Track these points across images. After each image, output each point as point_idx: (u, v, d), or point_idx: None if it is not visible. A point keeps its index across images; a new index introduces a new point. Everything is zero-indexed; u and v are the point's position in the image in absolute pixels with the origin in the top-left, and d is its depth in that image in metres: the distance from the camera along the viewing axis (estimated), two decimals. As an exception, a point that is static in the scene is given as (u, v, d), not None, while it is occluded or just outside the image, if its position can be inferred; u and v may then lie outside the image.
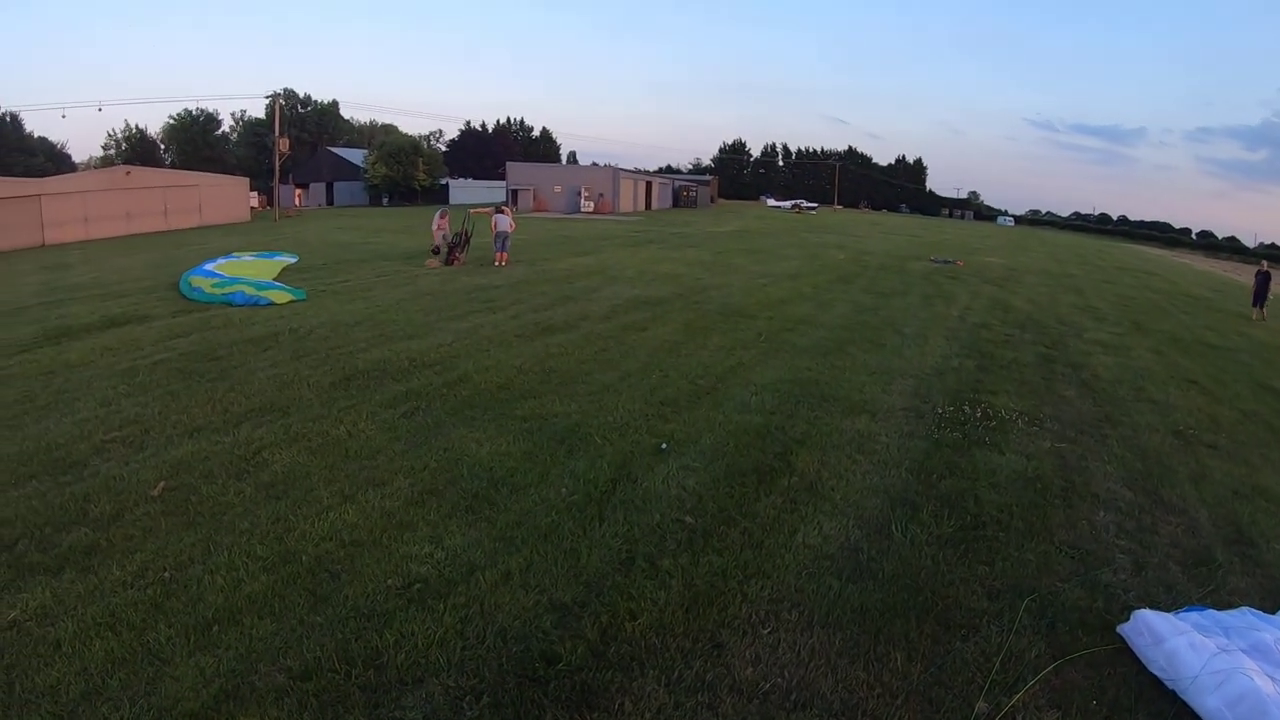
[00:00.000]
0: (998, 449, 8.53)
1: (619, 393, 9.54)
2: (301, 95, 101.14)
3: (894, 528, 6.31)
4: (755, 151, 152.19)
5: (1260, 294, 26.52)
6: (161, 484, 6.63)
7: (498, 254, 23.12)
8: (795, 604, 5.07)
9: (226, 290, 16.63)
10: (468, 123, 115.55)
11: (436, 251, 23.06)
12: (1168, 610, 5.27)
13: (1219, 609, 5.44)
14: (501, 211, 23.96)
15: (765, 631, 4.74)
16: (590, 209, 66.55)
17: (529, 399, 9.14)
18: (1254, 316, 26.08)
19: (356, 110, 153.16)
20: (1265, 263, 29.68)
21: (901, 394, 10.48)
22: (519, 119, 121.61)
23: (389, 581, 5.10)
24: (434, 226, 23.86)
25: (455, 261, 22.69)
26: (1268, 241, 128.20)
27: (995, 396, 10.75)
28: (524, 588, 5.06)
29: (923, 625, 4.96)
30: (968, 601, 5.31)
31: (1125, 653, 4.87)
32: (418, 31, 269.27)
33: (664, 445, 7.77)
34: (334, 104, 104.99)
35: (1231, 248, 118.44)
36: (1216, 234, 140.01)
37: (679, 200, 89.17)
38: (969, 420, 9.47)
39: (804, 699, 4.18)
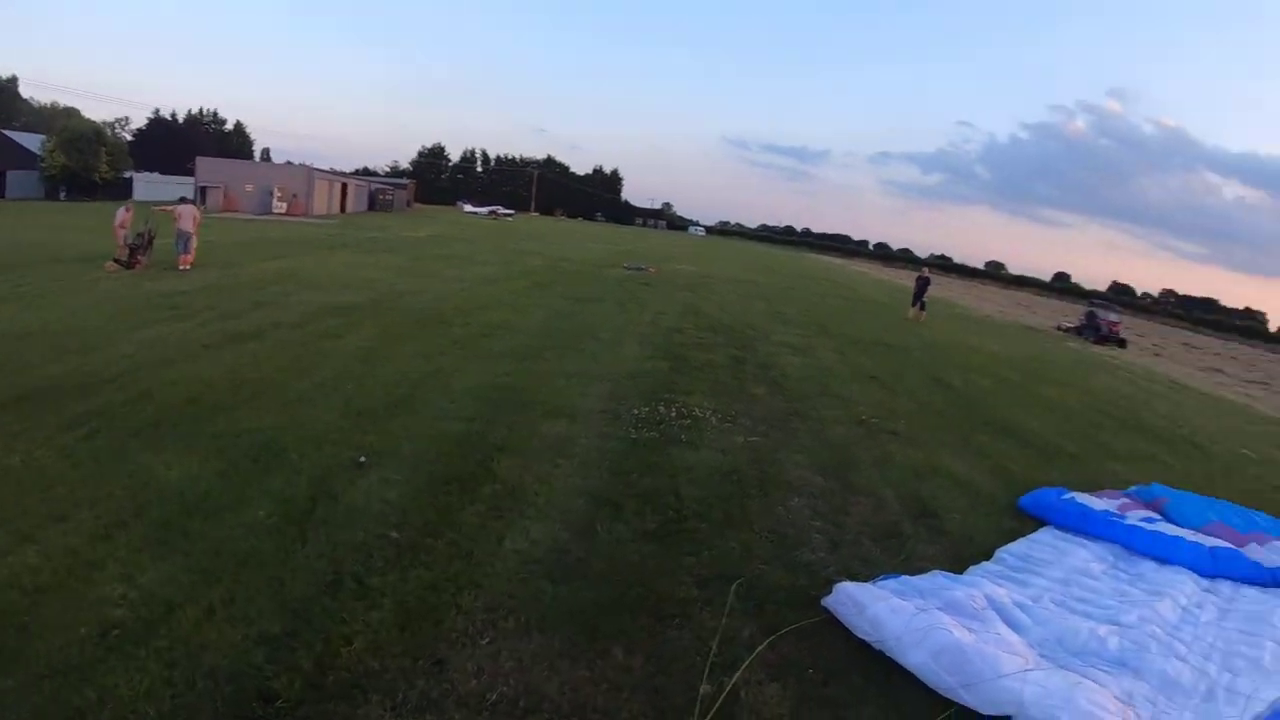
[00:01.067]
0: (693, 446, 9.08)
1: (314, 404, 9.06)
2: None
3: (599, 527, 6.51)
4: (455, 156, 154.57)
5: (918, 295, 30.45)
6: None
7: (181, 256, 21.13)
8: (511, 611, 5.07)
9: None
10: (157, 111, 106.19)
11: (125, 255, 20.76)
12: (866, 580, 5.94)
13: (912, 575, 6.24)
14: (184, 203, 21.93)
15: (484, 642, 4.70)
16: (283, 210, 63.06)
17: (220, 414, 8.42)
18: (911, 315, 29.92)
19: (38, 90, 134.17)
20: (927, 269, 34.04)
21: (599, 396, 10.83)
22: (212, 110, 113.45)
23: (83, 630, 4.43)
24: (116, 222, 21.42)
25: (137, 265, 20.49)
26: (938, 253, 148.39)
27: (689, 396, 11.44)
28: (229, 622, 4.63)
29: (638, 618, 5.16)
30: (678, 592, 5.60)
31: (832, 623, 5.38)
32: (108, 5, 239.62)
33: (363, 458, 7.46)
34: (13, 80, 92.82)
35: (906, 258, 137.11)
36: (892, 246, 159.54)
37: (375, 203, 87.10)
38: (664, 420, 9.99)
39: (532, 704, 4.21)
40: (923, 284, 31.44)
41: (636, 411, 10.21)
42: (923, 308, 31.01)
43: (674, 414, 10.29)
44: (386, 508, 6.45)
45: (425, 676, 4.34)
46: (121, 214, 21.52)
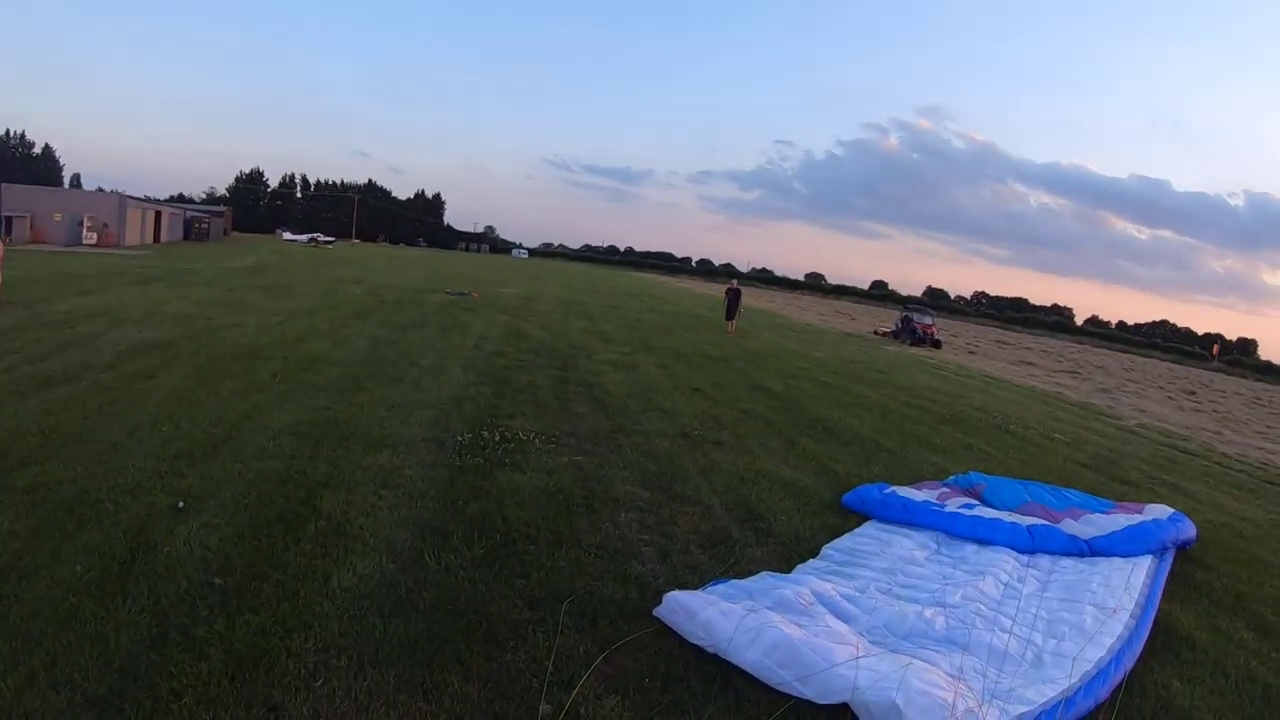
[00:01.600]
0: (519, 468, 9.03)
1: (129, 450, 8.45)
2: None
3: (427, 556, 6.35)
4: (274, 182, 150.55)
5: (732, 307, 31.19)
6: None
7: None
8: (342, 649, 4.88)
9: None
10: None
11: None
12: (695, 588, 6.04)
13: (741, 578, 6.40)
14: None
15: (318, 684, 4.50)
16: (93, 241, 58.62)
17: (29, 466, 7.70)
18: (729, 330, 30.59)
19: None
20: (735, 281, 35.19)
21: (422, 425, 10.61)
22: (19, 132, 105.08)
23: None
24: None
25: None
26: (760, 266, 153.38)
27: (513, 419, 11.39)
28: (53, 687, 4.23)
29: (472, 645, 5.06)
30: (510, 614, 5.53)
31: (666, 632, 5.43)
32: None
33: (181, 503, 7.02)
34: None
35: (727, 273, 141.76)
36: (714, 261, 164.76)
37: (191, 232, 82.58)
38: (489, 444, 9.90)
39: (373, 744, 4.03)
40: (734, 296, 32.10)
41: (460, 438, 10.05)
42: (735, 319, 31.68)
43: (498, 438, 10.19)
44: (208, 554, 6.09)
45: (261, 724, 4.12)
46: None
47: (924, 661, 4.92)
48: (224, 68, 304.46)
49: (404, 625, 5.24)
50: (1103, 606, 6.35)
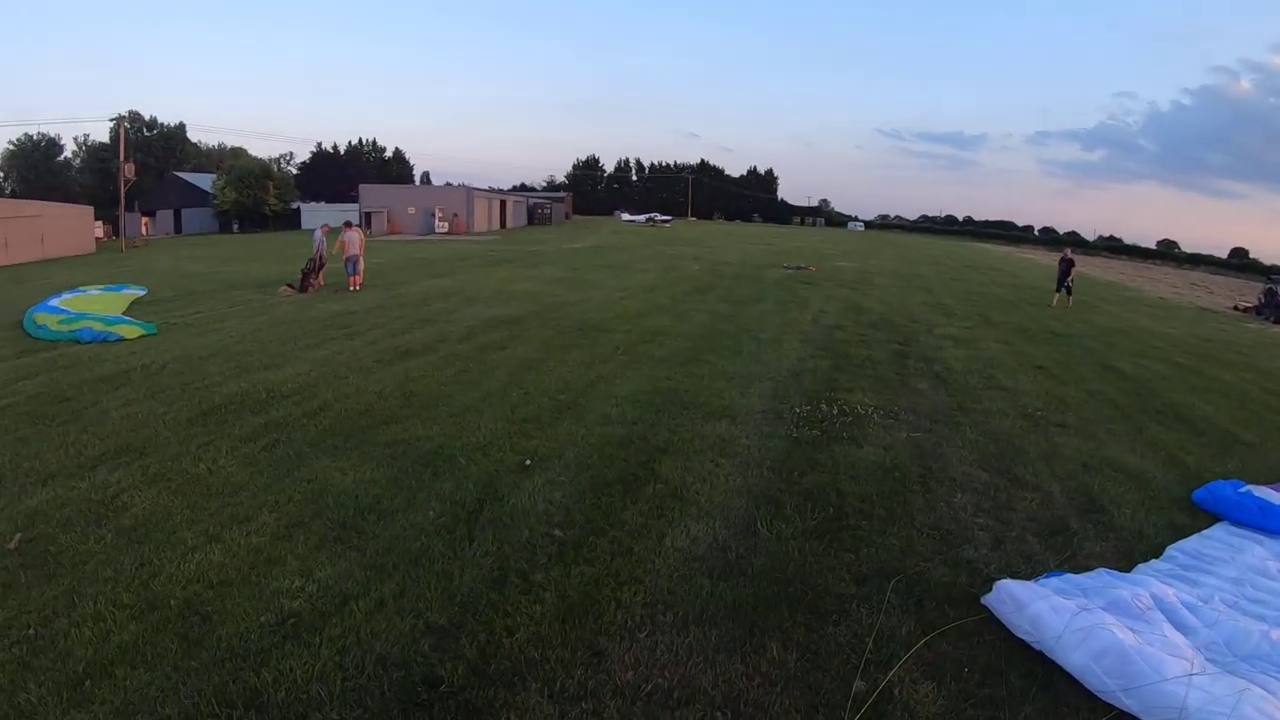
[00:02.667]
0: (856, 443, 9.03)
1: (481, 413, 9.57)
2: (148, 118, 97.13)
3: (760, 525, 6.59)
4: (609, 167, 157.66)
5: (1062, 278, 28.38)
6: (18, 536, 6.21)
7: (350, 278, 22.75)
8: (669, 606, 5.24)
9: (73, 327, 15.80)
10: (319, 144, 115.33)
11: (310, 271, 22.58)
12: (1028, 578, 5.78)
13: (1076, 573, 6.03)
14: (349, 228, 23.54)
15: (642, 635, 4.89)
16: (445, 230, 66.02)
17: (391, 424, 9.06)
18: (1054, 302, 27.95)
19: (205, 133, 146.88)
20: (1069, 250, 32.05)
21: (760, 397, 10.90)
22: (371, 139, 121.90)
23: (262, 619, 4.99)
24: (315, 241, 23.87)
25: (310, 288, 22.17)
26: (1107, 234, 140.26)
27: (851, 394, 11.35)
28: (399, 614, 5.05)
29: (795, 615, 5.23)
30: (836, 588, 5.63)
31: (991, 622, 5.28)
32: (265, 51, 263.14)
33: (528, 461, 7.85)
34: (181, 126, 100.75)
35: (1073, 242, 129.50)
36: (1058, 230, 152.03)
37: (534, 218, 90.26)
38: (826, 418, 9.96)
39: (686, 696, 4.35)
40: (1066, 266, 28.66)
41: (798, 410, 10.22)
42: (1069, 292, 28.48)
43: (836, 411, 10.24)
44: (551, 508, 6.75)
45: (584, 667, 4.55)
46: (319, 234, 23.44)
47: (1262, 689, 4.39)
48: (555, 66, 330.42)
49: (730, 589, 5.51)
50: None
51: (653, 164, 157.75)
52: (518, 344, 14.09)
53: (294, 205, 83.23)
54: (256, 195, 77.39)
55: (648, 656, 4.68)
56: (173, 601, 5.23)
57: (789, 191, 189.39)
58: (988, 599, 5.45)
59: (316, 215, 76.52)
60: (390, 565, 5.70)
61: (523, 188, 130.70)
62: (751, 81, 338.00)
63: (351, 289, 22.36)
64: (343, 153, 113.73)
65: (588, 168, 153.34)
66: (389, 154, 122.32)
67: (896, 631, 5.09)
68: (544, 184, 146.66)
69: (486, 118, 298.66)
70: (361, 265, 23.14)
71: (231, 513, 6.65)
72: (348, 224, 24.16)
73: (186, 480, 7.45)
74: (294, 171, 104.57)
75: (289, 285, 22.47)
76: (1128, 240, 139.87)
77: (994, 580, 5.65)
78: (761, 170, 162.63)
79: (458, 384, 11.00)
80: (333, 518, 6.52)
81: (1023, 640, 5.04)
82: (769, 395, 11.04)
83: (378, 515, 6.56)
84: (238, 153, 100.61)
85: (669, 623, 5.05)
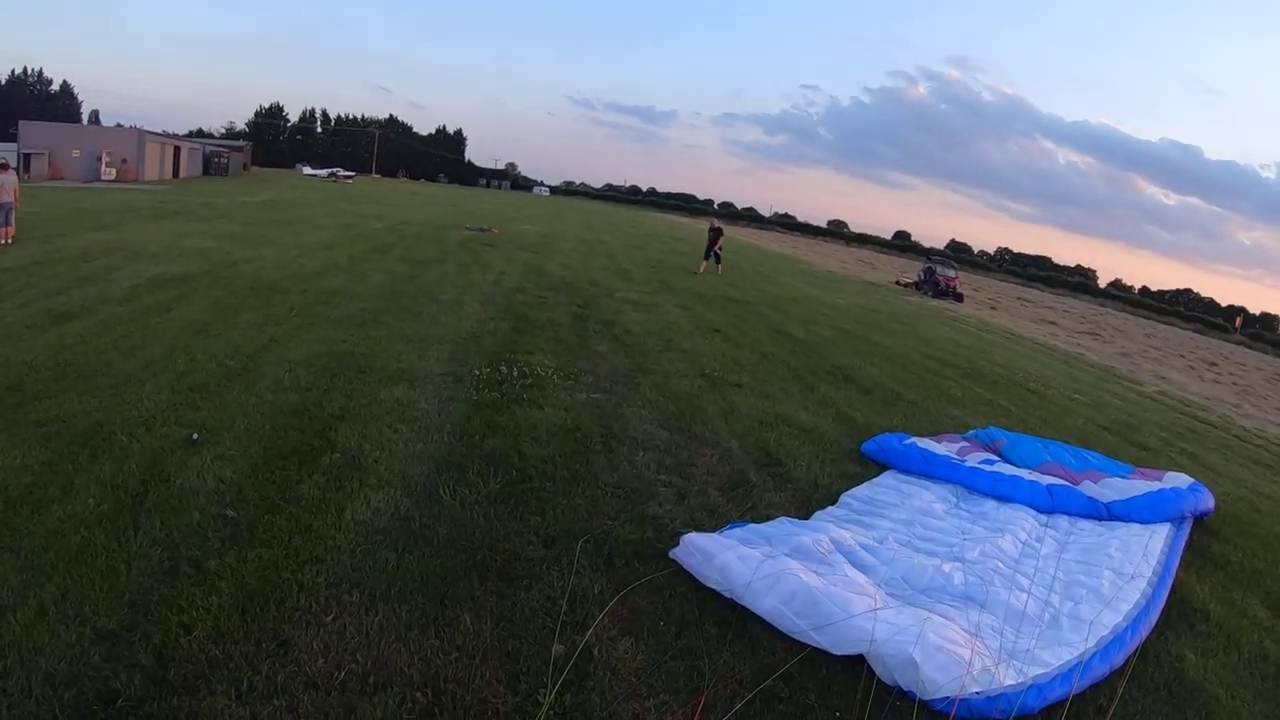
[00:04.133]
0: (536, 405, 9.00)
1: (144, 383, 8.42)
2: None
3: (442, 491, 6.33)
4: (293, 117, 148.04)
5: (710, 247, 30.27)
6: None
7: (2, 229, 19.34)
8: (355, 584, 4.86)
9: None
10: None
11: None
12: (713, 530, 6.00)
13: (759, 523, 6.36)
14: (3, 171, 19.96)
15: (329, 618, 4.48)
16: (112, 176, 58.28)
17: (44, 399, 7.68)
18: (701, 269, 29.70)
19: None
20: (716, 220, 34.16)
21: (439, 360, 10.59)
22: (37, 70, 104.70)
23: None
24: None
25: None
26: (782, 211, 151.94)
27: (531, 355, 11.35)
28: (64, 621, 4.20)
29: (486, 582, 5.03)
30: (525, 552, 5.50)
31: (682, 575, 5.39)
32: None
33: (195, 436, 7.00)
34: None
35: (750, 217, 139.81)
36: (737, 205, 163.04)
37: (210, 167, 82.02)
38: (506, 380, 9.88)
39: (383, 679, 4.03)
40: (715, 235, 30.35)
41: (478, 373, 10.02)
42: (717, 259, 30.04)
43: (516, 373, 10.16)
44: (222, 486, 6.06)
45: (270, 660, 4.08)
46: None
47: (941, 617, 4.88)
48: (243, 1, 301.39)
49: (417, 560, 5.21)
50: (1120, 572, 6.27)
51: (340, 116, 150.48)
52: (186, 305, 12.71)
53: (-61, 141, 70.28)
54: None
55: (337, 641, 4.27)
56: None
57: (477, 153, 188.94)
58: (676, 553, 5.56)
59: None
60: (49, 565, 4.77)
61: (199, 133, 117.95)
62: (447, 39, 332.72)
63: (2, 242, 19.26)
64: (3, 84, 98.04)
65: (270, 116, 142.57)
66: (55, 88, 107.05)
67: (589, 591, 5.04)
68: (223, 130, 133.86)
69: (165, 51, 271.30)
70: (14, 216, 19.88)
71: None
72: (2, 166, 20.66)
73: None
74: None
75: None
76: (801, 218, 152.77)
77: (680, 534, 5.78)
78: (450, 130, 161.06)
79: (118, 351, 9.66)
80: (-19, 514, 5.43)
81: (714, 590, 5.17)
82: (448, 358, 10.74)
83: (32, 507, 5.51)
84: None
85: (356, 602, 4.65)
